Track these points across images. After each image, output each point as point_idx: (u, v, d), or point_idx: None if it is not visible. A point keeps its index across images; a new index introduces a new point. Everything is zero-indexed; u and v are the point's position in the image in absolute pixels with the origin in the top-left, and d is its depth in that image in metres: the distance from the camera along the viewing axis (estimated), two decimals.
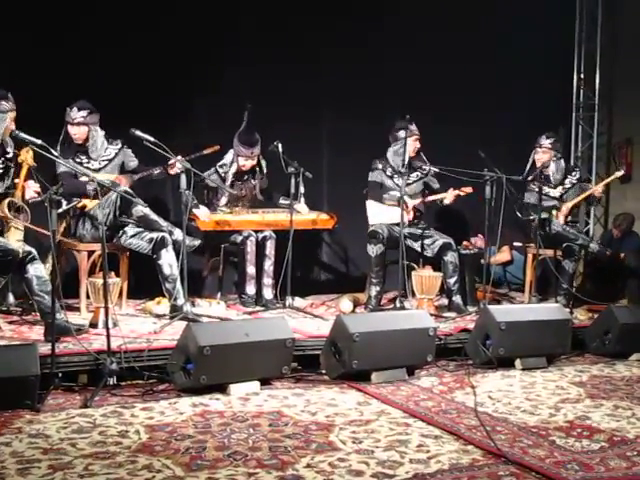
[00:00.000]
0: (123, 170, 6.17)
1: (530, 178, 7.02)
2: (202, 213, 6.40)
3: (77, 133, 5.93)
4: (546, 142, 7.08)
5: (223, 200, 6.65)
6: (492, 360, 5.31)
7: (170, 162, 5.91)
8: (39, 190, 5.19)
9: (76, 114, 5.89)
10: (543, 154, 7.08)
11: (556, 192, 7.12)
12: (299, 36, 7.28)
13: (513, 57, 7.86)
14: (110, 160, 6.11)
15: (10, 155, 5.21)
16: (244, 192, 6.69)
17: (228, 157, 6.65)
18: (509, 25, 7.87)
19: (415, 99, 7.22)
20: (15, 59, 6.24)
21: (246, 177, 6.71)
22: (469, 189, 6.60)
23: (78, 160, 5.95)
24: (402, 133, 6.57)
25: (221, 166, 6.62)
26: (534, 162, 7.12)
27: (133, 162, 6.22)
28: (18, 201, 5.15)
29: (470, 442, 3.85)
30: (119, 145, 6.16)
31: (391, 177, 6.71)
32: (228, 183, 6.60)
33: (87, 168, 5.89)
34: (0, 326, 5.29)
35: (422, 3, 7.69)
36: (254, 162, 6.64)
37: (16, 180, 5.21)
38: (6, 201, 5.09)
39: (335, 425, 4.08)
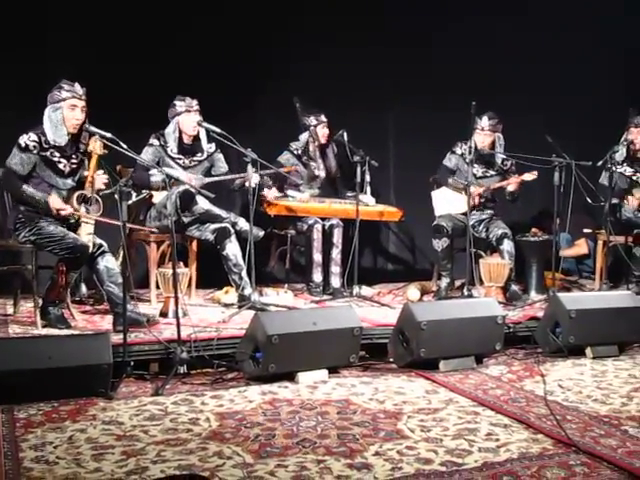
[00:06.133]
0: (209, 174, 6.18)
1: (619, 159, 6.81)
2: (271, 193, 6.45)
3: (194, 122, 5.92)
4: None
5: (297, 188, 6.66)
6: (562, 348, 5.24)
7: (246, 175, 5.79)
8: (107, 181, 5.25)
9: (191, 102, 5.92)
10: (638, 134, 6.82)
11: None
12: (362, 21, 7.23)
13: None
14: (200, 162, 6.14)
15: (82, 149, 5.29)
16: (320, 173, 6.72)
17: (302, 136, 6.69)
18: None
19: (483, 89, 7.05)
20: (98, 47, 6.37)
21: (323, 155, 6.74)
22: (533, 175, 6.49)
23: (172, 154, 5.99)
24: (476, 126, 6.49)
25: (294, 144, 6.65)
26: (631, 142, 6.86)
27: (223, 168, 6.20)
28: (89, 193, 5.22)
29: (540, 431, 3.80)
30: (212, 148, 6.17)
31: (470, 163, 6.60)
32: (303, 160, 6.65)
33: (177, 163, 5.95)
34: (74, 316, 5.41)
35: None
36: (328, 131, 6.65)
37: (85, 172, 5.27)
38: (75, 195, 5.17)
39: (403, 413, 4.08)
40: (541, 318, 5.52)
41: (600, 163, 6.68)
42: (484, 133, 6.50)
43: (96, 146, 5.12)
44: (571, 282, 7.47)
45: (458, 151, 6.70)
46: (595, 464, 3.40)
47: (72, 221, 5.18)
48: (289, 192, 6.61)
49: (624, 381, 4.76)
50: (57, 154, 5.16)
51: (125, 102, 6.19)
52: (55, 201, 5.08)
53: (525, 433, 3.79)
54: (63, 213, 5.08)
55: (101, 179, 5.23)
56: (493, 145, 6.61)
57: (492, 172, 6.73)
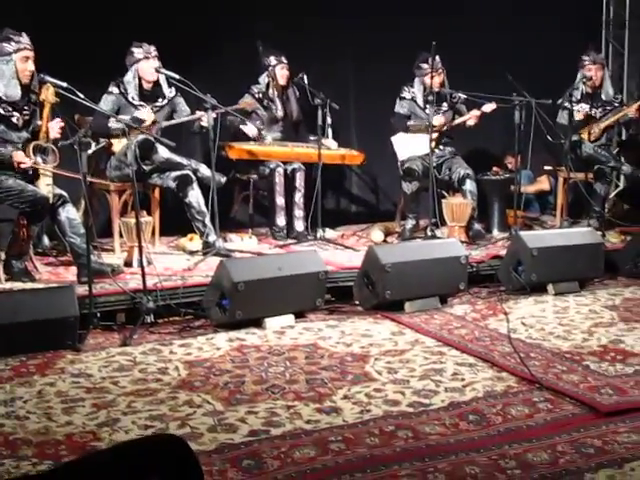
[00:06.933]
0: (171, 119, 6.08)
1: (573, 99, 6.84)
2: (250, 129, 6.43)
3: (153, 68, 5.82)
4: (599, 57, 6.89)
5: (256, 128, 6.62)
6: (524, 286, 5.32)
7: (198, 116, 5.85)
8: (62, 126, 5.14)
9: (149, 48, 5.83)
10: (597, 71, 6.83)
11: (597, 113, 6.97)
12: None
13: None
14: (161, 107, 6.04)
15: (34, 99, 5.17)
16: (279, 113, 6.68)
17: (262, 78, 6.63)
18: None
19: (435, 26, 6.97)
20: (41, 10, 6.16)
21: (284, 97, 6.69)
22: (492, 106, 6.49)
23: (133, 102, 5.88)
24: (424, 66, 6.50)
25: (256, 87, 6.60)
26: (589, 79, 6.83)
27: (185, 112, 6.09)
28: (44, 143, 5.11)
29: (504, 369, 3.89)
30: (172, 93, 6.06)
31: (423, 109, 6.63)
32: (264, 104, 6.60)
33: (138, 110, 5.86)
34: (37, 268, 5.36)
35: None
36: (288, 73, 6.61)
37: (39, 122, 5.16)
38: (31, 145, 5.06)
39: (370, 356, 4.14)
40: (504, 257, 5.58)
41: (559, 102, 6.72)
42: (436, 73, 6.49)
43: (48, 94, 4.98)
44: (532, 219, 7.53)
45: (407, 96, 6.71)
46: (558, 400, 3.50)
47: (30, 173, 5.09)
48: (259, 129, 6.53)
49: (585, 317, 4.87)
50: (9, 108, 5.05)
51: (80, 52, 6.03)
52: (18, 154, 4.99)
53: (490, 372, 3.88)
54: (23, 166, 4.99)
55: (56, 126, 5.11)
56: (443, 84, 6.63)
57: (445, 107, 6.74)
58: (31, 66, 5.03)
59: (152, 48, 5.84)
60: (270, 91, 6.64)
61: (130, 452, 1.55)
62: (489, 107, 6.49)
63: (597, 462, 2.90)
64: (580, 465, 2.88)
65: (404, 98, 6.72)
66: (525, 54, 7.42)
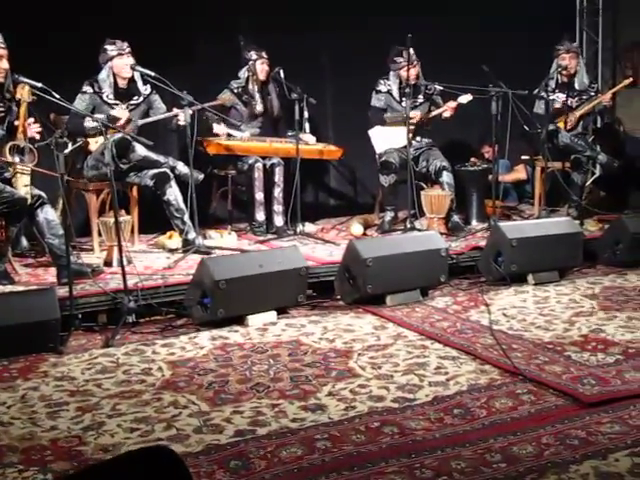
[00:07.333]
0: (147, 117, 6.04)
1: (549, 88, 6.87)
2: (220, 129, 6.41)
3: (127, 64, 5.77)
4: (573, 46, 6.92)
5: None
6: (505, 277, 5.35)
7: (174, 113, 5.85)
8: (40, 130, 5.11)
9: (122, 44, 5.78)
10: (571, 59, 6.87)
11: (573, 102, 7.00)
12: None
13: None
14: (137, 105, 6.00)
15: (9, 97, 5.13)
16: (258, 107, 6.66)
17: (242, 73, 6.60)
18: None
19: (412, 17, 6.99)
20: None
21: (263, 93, 6.67)
22: (467, 97, 6.49)
23: (108, 100, 5.85)
24: (400, 60, 6.51)
25: (235, 82, 6.57)
26: (565, 68, 6.88)
27: (161, 109, 6.05)
28: (21, 142, 5.07)
29: (487, 362, 3.91)
30: (148, 90, 6.02)
31: (399, 101, 6.64)
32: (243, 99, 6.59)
33: (113, 109, 5.81)
34: (16, 270, 5.33)
35: None
36: (268, 68, 6.59)
37: (16, 122, 5.12)
38: (8, 145, 5.02)
39: (353, 351, 4.15)
40: (483, 248, 5.61)
41: (536, 91, 6.75)
42: (412, 66, 6.49)
43: (24, 93, 4.96)
44: (510, 208, 7.58)
45: (383, 89, 6.72)
46: (541, 391, 3.53)
47: (7, 174, 5.05)
48: (229, 131, 6.54)
49: (565, 306, 4.90)
50: None
51: (53, 51, 5.98)
52: None
53: (473, 364, 3.89)
54: None
55: (34, 129, 5.08)
56: (418, 76, 6.63)
57: (421, 100, 6.75)
58: (5, 64, 4.99)
59: (125, 45, 5.80)
60: (250, 86, 6.62)
61: (119, 468, 1.54)
62: (465, 98, 6.50)
63: (582, 453, 2.93)
64: (565, 457, 2.90)
65: (380, 91, 6.73)
66: (499, 44, 7.46)
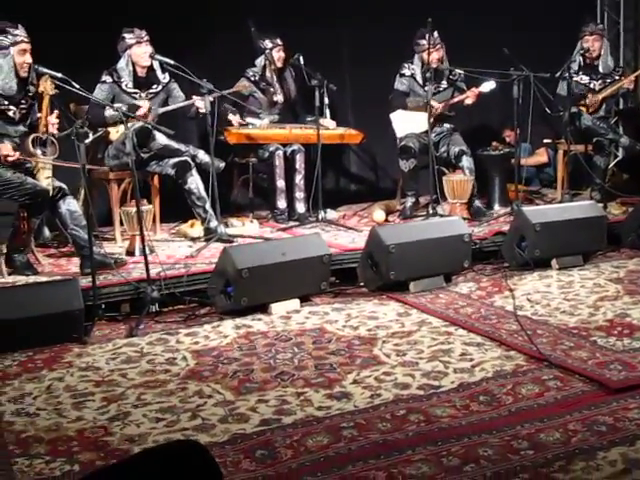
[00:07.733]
0: (166, 105, 6.04)
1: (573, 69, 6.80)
2: (236, 118, 6.40)
3: (146, 52, 5.77)
4: (597, 28, 6.84)
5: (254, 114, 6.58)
6: (528, 262, 5.31)
7: (193, 100, 5.85)
8: (59, 121, 5.11)
9: (140, 32, 5.77)
10: (595, 42, 6.80)
11: (596, 84, 6.92)
12: None
13: None
14: (156, 94, 6.00)
15: (32, 92, 5.14)
16: (279, 97, 6.64)
17: (259, 61, 6.58)
18: None
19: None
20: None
21: (281, 80, 6.65)
22: (489, 85, 6.42)
23: (127, 89, 5.85)
24: (422, 42, 6.45)
25: (251, 70, 6.56)
26: (587, 50, 6.81)
27: (180, 97, 6.04)
28: (43, 135, 5.10)
29: (512, 348, 3.88)
30: (167, 79, 6.02)
31: (422, 85, 6.59)
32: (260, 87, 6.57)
33: (133, 98, 5.82)
34: (39, 260, 5.35)
35: None
36: (284, 54, 6.57)
37: (38, 114, 5.15)
38: (30, 138, 5.04)
39: (378, 338, 4.13)
40: (507, 233, 5.57)
41: (558, 74, 6.68)
42: (434, 49, 6.43)
43: (47, 86, 4.98)
44: (533, 192, 7.52)
45: (407, 72, 6.67)
46: (567, 377, 3.49)
47: (29, 165, 5.07)
48: (248, 119, 6.53)
49: (590, 290, 4.86)
50: (6, 102, 5.02)
51: (71, 41, 5.97)
52: (3, 147, 4.96)
53: (498, 351, 3.87)
54: (10, 159, 4.95)
55: (54, 125, 5.10)
56: (442, 60, 6.58)
57: (444, 85, 6.70)
58: (29, 59, 5.01)
59: (143, 33, 5.80)
60: (268, 74, 6.60)
61: (150, 462, 1.54)
62: (487, 86, 6.43)
63: (609, 440, 2.90)
64: (593, 443, 2.87)
65: (404, 75, 6.68)
66: (523, 27, 7.38)
